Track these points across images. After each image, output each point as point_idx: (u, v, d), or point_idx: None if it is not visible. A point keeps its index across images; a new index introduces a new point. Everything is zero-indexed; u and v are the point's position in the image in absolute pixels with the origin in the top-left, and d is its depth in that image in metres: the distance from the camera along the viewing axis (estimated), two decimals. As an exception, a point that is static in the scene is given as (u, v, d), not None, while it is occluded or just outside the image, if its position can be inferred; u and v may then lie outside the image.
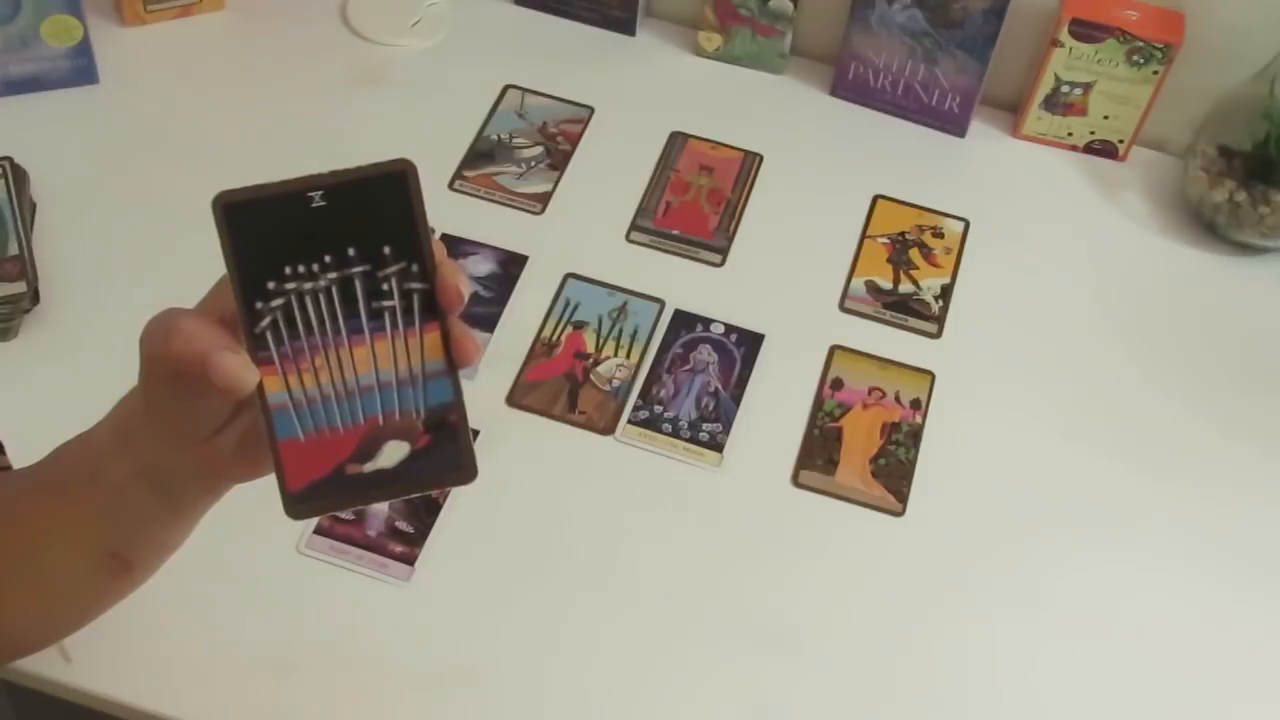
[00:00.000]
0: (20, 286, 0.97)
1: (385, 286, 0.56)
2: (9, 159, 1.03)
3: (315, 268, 0.56)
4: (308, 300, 0.56)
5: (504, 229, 1.10)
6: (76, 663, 0.82)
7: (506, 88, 1.20)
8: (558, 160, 1.16)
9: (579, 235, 1.11)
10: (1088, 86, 1.17)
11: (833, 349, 1.05)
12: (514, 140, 1.17)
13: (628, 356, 1.03)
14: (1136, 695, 0.89)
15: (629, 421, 0.99)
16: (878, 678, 0.88)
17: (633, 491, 0.96)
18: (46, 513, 0.67)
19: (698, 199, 1.15)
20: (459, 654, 0.86)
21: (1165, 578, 0.95)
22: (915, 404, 1.02)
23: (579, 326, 1.04)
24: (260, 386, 0.56)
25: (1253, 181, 1.12)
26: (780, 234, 1.13)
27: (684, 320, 1.06)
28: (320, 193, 0.55)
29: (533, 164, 1.15)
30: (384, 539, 0.90)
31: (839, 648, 0.89)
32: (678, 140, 1.18)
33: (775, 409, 1.01)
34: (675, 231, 1.12)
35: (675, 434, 0.99)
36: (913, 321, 1.08)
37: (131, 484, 0.63)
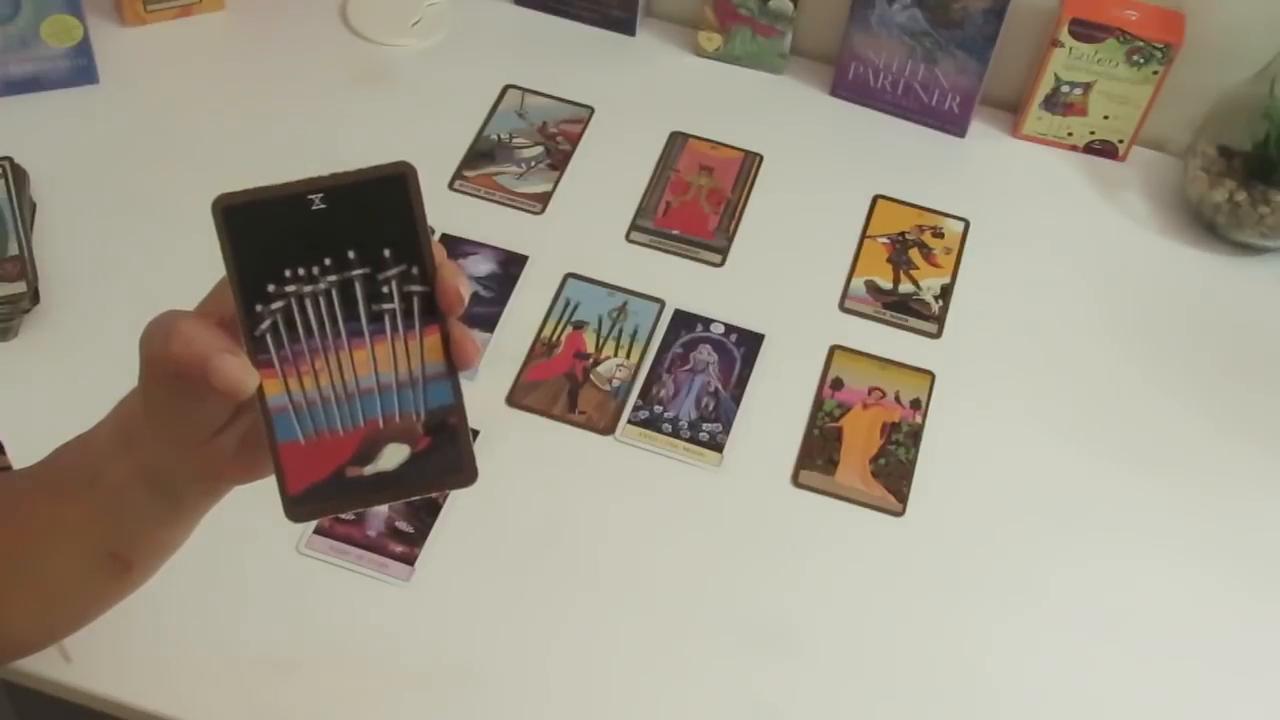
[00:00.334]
0: (20, 286, 0.97)
1: (385, 289, 0.56)
2: (9, 159, 1.03)
3: (315, 270, 0.56)
4: (307, 303, 0.56)
5: (504, 229, 1.10)
6: (76, 663, 0.82)
7: (506, 88, 1.20)
8: (558, 160, 1.16)
9: (579, 235, 1.11)
10: (1088, 86, 1.17)
11: (833, 349, 1.05)
12: (514, 140, 1.17)
13: (628, 356, 1.03)
14: (1137, 692, 0.89)
15: (629, 421, 0.99)
16: (878, 677, 0.88)
17: (633, 492, 0.96)
18: (46, 513, 0.67)
19: (698, 199, 1.15)
20: (459, 654, 0.86)
21: (1165, 577, 0.95)
22: (915, 404, 1.02)
23: (579, 326, 1.04)
24: (260, 389, 0.56)
25: (1253, 181, 1.12)
26: (780, 234, 1.13)
27: (684, 320, 1.06)
28: (320, 195, 0.55)
29: (533, 164, 1.15)
30: (384, 539, 0.90)
31: (839, 647, 0.89)
32: (678, 140, 1.18)
33: (775, 409, 1.01)
34: (675, 231, 1.12)
35: (675, 434, 0.99)
36: (913, 321, 1.08)
37: (131, 485, 0.63)
